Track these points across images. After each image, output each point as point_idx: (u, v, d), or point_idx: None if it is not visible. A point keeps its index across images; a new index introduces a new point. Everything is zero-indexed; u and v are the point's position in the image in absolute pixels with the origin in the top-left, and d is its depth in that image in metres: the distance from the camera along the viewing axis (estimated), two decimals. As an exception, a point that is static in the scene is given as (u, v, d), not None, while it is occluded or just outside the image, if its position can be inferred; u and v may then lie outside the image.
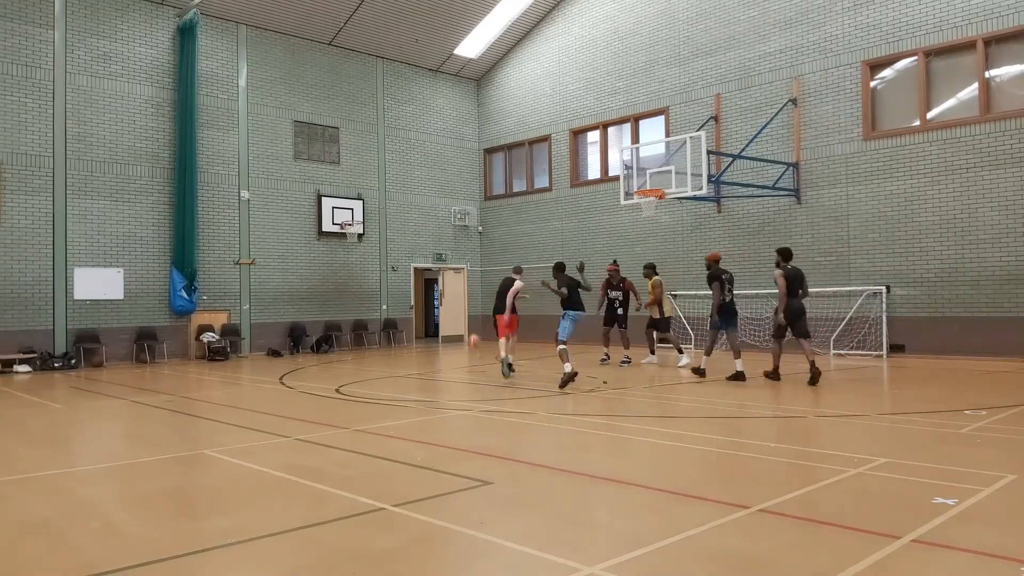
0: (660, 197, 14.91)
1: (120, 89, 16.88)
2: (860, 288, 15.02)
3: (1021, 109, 13.55)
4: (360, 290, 20.82)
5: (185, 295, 17.25)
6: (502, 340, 12.18)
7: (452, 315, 22.94)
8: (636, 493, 4.97)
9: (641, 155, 16.39)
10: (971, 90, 14.22)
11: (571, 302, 11.64)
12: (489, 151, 23.66)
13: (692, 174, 14.70)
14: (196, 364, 16.51)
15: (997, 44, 13.89)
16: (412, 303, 22.17)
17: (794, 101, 16.24)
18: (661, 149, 17.55)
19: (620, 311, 14.27)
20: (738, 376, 10.99)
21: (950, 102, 14.57)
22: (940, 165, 14.37)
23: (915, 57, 14.78)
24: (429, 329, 25.26)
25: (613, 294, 14.35)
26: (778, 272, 10.81)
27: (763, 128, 16.20)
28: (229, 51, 18.68)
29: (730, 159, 16.04)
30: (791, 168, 16.15)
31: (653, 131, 19.17)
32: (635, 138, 19.44)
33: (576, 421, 8.00)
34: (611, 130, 20.36)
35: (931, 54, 14.61)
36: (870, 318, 14.88)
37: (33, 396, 11.13)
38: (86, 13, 16.50)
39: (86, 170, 16.36)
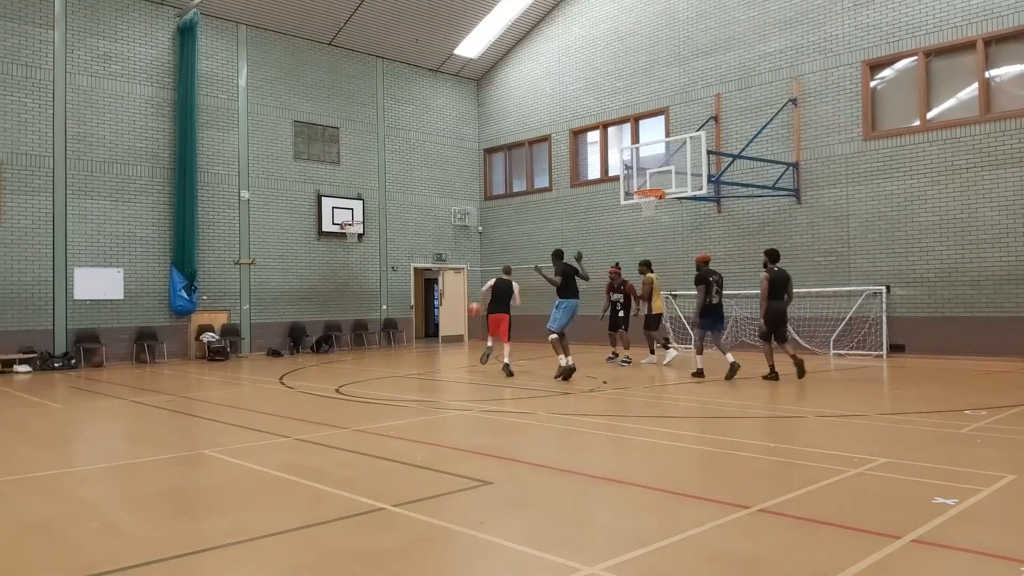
0: (660, 197, 14.91)
1: (120, 89, 16.88)
2: (860, 288, 15.02)
3: (1021, 109, 13.56)
4: (360, 290, 20.82)
5: (185, 295, 17.25)
6: (491, 339, 12.99)
7: (452, 315, 22.95)
8: (636, 493, 4.97)
9: (641, 155, 16.39)
10: (971, 90, 14.22)
11: (566, 291, 11.67)
12: (489, 151, 23.66)
13: (692, 174, 14.71)
14: (196, 364, 16.51)
15: (997, 44, 13.89)
16: (412, 303, 22.18)
17: (794, 101, 16.24)
18: (661, 149, 17.54)
19: (621, 314, 14.35)
20: (732, 369, 11.09)
21: (950, 102, 14.57)
22: (940, 165, 14.37)
23: (915, 57, 14.78)
24: (429, 329, 25.26)
25: (615, 296, 14.43)
26: (763, 275, 10.90)
27: (763, 128, 16.20)
28: (229, 51, 18.68)
29: (730, 159, 16.04)
30: (791, 168, 16.15)
31: (653, 131, 19.17)
32: (635, 138, 19.44)
33: (576, 421, 8.00)
34: (611, 130, 20.36)
35: (931, 54, 14.61)
36: (870, 318, 14.88)
37: (33, 396, 11.13)
38: (86, 13, 16.50)
39: (86, 170, 16.36)
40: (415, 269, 22.24)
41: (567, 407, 8.97)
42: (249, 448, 6.71)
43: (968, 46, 14.15)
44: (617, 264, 15.05)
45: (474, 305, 13.68)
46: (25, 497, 5.16)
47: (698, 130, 16.48)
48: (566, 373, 11.33)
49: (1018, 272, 13.46)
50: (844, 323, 15.16)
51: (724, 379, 11.08)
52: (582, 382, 11.24)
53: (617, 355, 14.51)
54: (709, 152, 15.33)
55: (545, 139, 21.87)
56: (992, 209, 13.77)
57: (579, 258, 12.44)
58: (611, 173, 19.97)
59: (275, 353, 18.58)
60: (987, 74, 14.02)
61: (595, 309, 16.32)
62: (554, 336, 11.58)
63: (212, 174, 18.13)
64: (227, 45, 18.65)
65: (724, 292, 11.73)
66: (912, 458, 5.72)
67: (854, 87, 15.50)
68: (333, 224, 20.10)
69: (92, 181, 16.43)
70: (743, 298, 16.41)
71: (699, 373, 11.50)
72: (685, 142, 15.02)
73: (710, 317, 11.47)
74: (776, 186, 15.95)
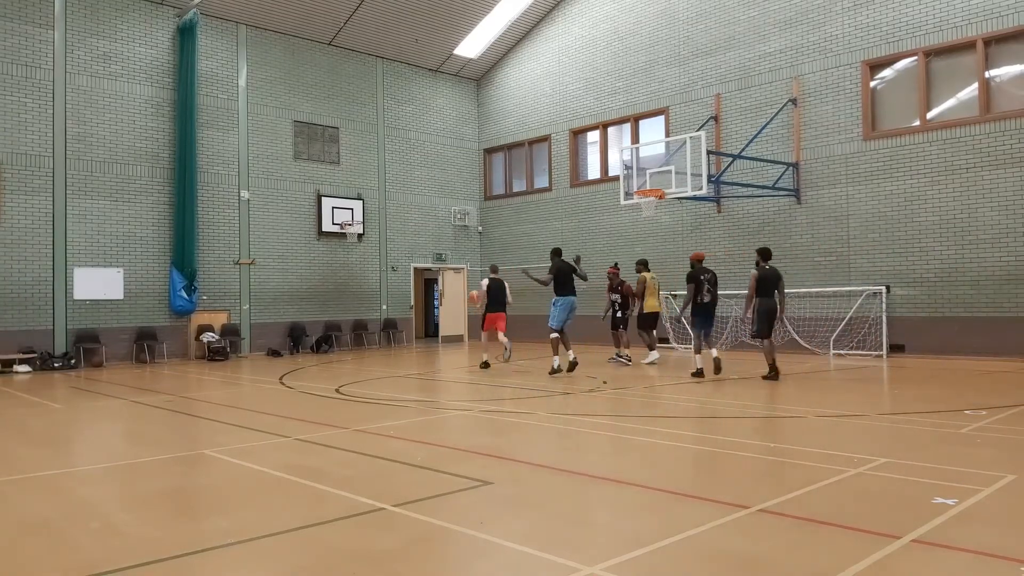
0: (660, 197, 14.92)
1: (120, 89, 16.89)
2: (860, 288, 15.02)
3: (1021, 109, 13.56)
4: (360, 290, 20.82)
5: (185, 295, 17.25)
6: (485, 335, 13.76)
7: (452, 315, 22.94)
8: (636, 493, 4.97)
9: (641, 155, 16.39)
10: (971, 90, 14.22)
11: (562, 288, 11.87)
12: (489, 151, 23.66)
13: (692, 174, 14.71)
14: (196, 364, 16.51)
15: (997, 44, 13.89)
16: (412, 303, 22.18)
17: (794, 101, 16.24)
18: (661, 149, 17.54)
19: (619, 314, 14.44)
20: (716, 363, 11.39)
21: (950, 102, 14.57)
22: (940, 165, 14.37)
23: (915, 57, 14.78)
24: (429, 329, 25.27)
25: (613, 296, 14.53)
26: (753, 272, 11.07)
27: (763, 128, 16.20)
28: (229, 51, 18.68)
29: (730, 159, 16.04)
30: (791, 168, 16.16)
31: (653, 131, 19.17)
32: (635, 138, 19.45)
33: (576, 421, 8.00)
34: (611, 130, 20.36)
35: (931, 54, 14.61)
36: (870, 318, 14.88)
37: (33, 396, 11.13)
38: (86, 13, 16.50)
39: (86, 170, 16.36)
40: (415, 269, 22.24)
41: (567, 407, 8.97)
42: (249, 448, 6.71)
43: (968, 46, 14.15)
44: (616, 264, 15.18)
45: (474, 293, 13.99)
46: (25, 497, 5.16)
47: (698, 130, 16.49)
48: (570, 367, 11.64)
49: (1018, 272, 13.46)
50: (844, 323, 15.16)
51: (712, 374, 11.38)
52: (582, 382, 11.25)
53: (619, 355, 14.55)
54: (709, 152, 15.33)
55: (545, 139, 21.87)
56: (992, 209, 13.77)
57: (577, 261, 12.60)
58: (611, 173, 19.97)
59: (275, 353, 18.58)
60: (987, 74, 14.03)
61: (595, 310, 16.36)
62: (554, 335, 11.81)
63: (212, 174, 18.13)
64: (227, 45, 18.65)
65: (721, 292, 11.79)
66: (912, 458, 5.72)
67: (854, 87, 15.50)
68: (333, 224, 20.11)
69: (92, 181, 16.43)
70: (743, 298, 16.38)
71: (699, 373, 11.51)
72: (685, 142, 15.02)
73: (701, 316, 11.68)
74: (776, 186, 15.95)
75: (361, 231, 20.69)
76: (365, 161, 21.14)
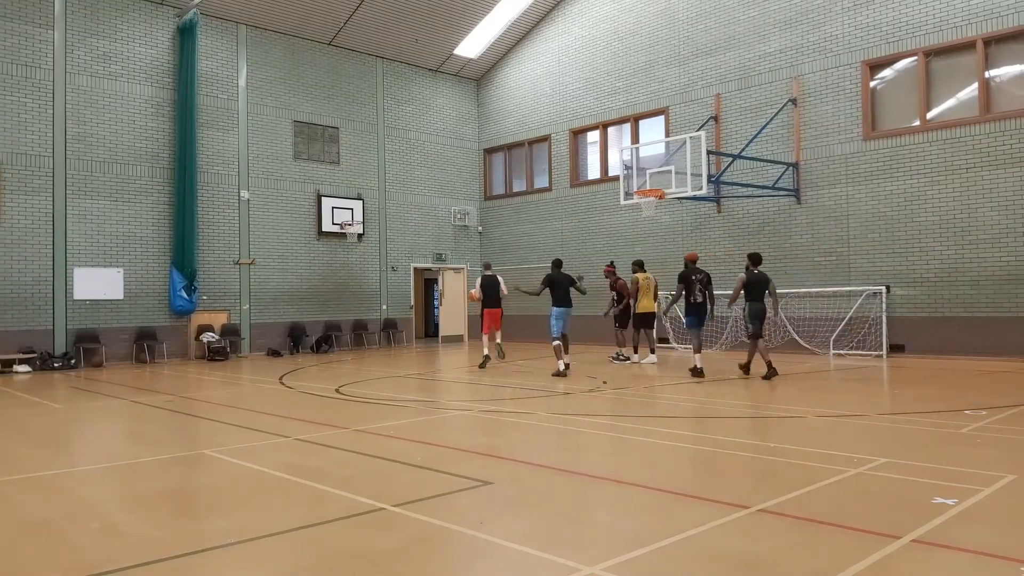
0: (660, 197, 14.92)
1: (120, 89, 16.89)
2: (860, 288, 15.02)
3: (1021, 109, 13.55)
4: (360, 290, 20.82)
5: (185, 295, 17.25)
6: (486, 336, 14.19)
7: (452, 315, 22.94)
8: (636, 493, 4.97)
9: (641, 155, 16.39)
10: (971, 90, 14.22)
11: (557, 299, 12.57)
12: (489, 151, 23.66)
13: (692, 174, 14.71)
14: (196, 364, 16.51)
15: (997, 44, 13.89)
16: (412, 303, 22.17)
17: (794, 101, 16.24)
18: (661, 149, 17.54)
19: (615, 312, 14.57)
20: (696, 371, 11.69)
21: (950, 102, 14.57)
22: (940, 165, 14.37)
23: (915, 57, 14.78)
24: (429, 329, 25.26)
25: (611, 294, 14.63)
26: (740, 276, 11.48)
27: (763, 128, 16.20)
28: (229, 51, 18.68)
29: (730, 159, 16.04)
30: (791, 168, 16.15)
31: (653, 131, 19.16)
32: (635, 138, 19.44)
33: (576, 421, 8.00)
34: (611, 130, 20.36)
35: (931, 54, 14.61)
36: (870, 318, 14.87)
37: (33, 396, 11.13)
38: (86, 13, 16.50)
39: (86, 170, 16.36)
40: (415, 269, 22.24)
41: (567, 407, 8.97)
42: (249, 448, 6.71)
43: (968, 46, 14.15)
44: (611, 263, 15.33)
45: (473, 292, 14.64)
46: (25, 497, 5.16)
47: (698, 130, 16.48)
48: (560, 373, 12.14)
49: (1018, 272, 13.46)
50: (844, 323, 15.16)
51: (688, 371, 11.83)
52: (582, 382, 11.26)
53: (619, 354, 14.60)
54: (709, 152, 15.33)
55: (545, 139, 21.86)
56: (992, 209, 13.77)
57: (580, 279, 13.09)
58: (611, 173, 19.97)
59: (275, 353, 18.58)
60: (987, 74, 14.02)
61: (596, 310, 16.39)
62: (556, 343, 12.44)
63: (212, 174, 18.13)
64: (227, 45, 18.65)
65: (718, 292, 11.98)
66: (912, 458, 5.72)
67: (854, 87, 15.50)
68: (333, 224, 20.10)
69: (92, 181, 16.43)
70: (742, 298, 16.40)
71: (699, 372, 11.55)
72: (685, 142, 15.02)
73: (694, 316, 11.98)
74: (776, 186, 15.95)
75: (361, 231, 20.69)
76: (365, 161, 21.14)
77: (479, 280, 14.38)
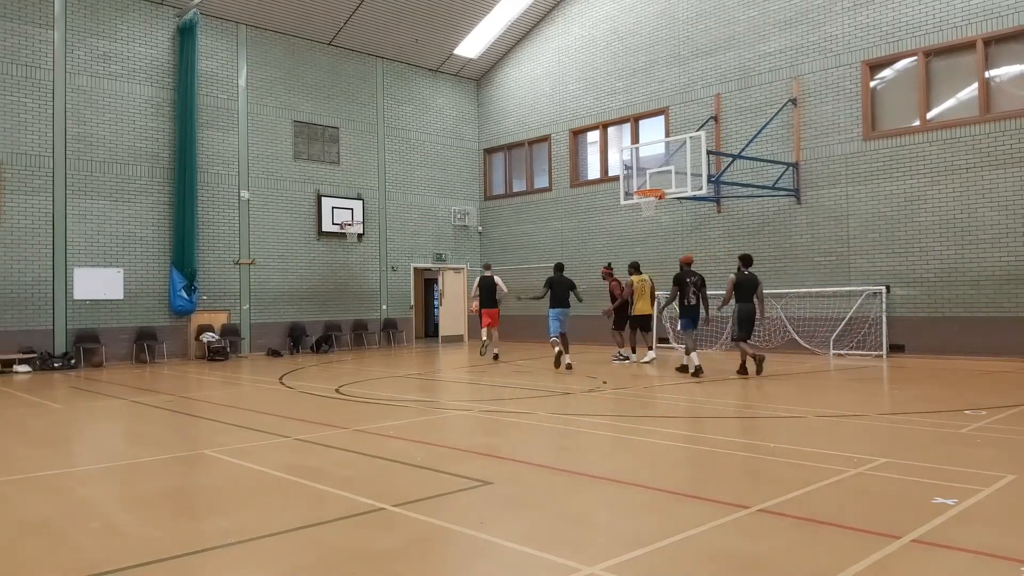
0: (660, 197, 14.92)
1: (120, 89, 16.88)
2: (860, 288, 15.02)
3: (1021, 109, 13.55)
4: (360, 290, 20.82)
5: (185, 295, 17.25)
6: (484, 330, 15.05)
7: (452, 315, 22.94)
8: (636, 493, 4.97)
9: (641, 155, 16.39)
10: (971, 90, 14.22)
11: (554, 300, 13.24)
12: (489, 151, 23.66)
13: (692, 174, 14.71)
14: (196, 364, 16.51)
15: (997, 44, 13.89)
16: (412, 303, 22.17)
17: (794, 101, 16.24)
18: (661, 149, 17.54)
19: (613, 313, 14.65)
20: (683, 368, 11.96)
21: (950, 102, 14.57)
22: (940, 165, 14.37)
23: (915, 57, 14.78)
24: (429, 329, 25.26)
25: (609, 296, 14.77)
26: (731, 277, 11.61)
27: (763, 128, 16.20)
28: (229, 51, 18.68)
29: (730, 159, 16.04)
30: (791, 168, 16.15)
31: (653, 131, 19.16)
32: (635, 138, 19.44)
33: (576, 421, 8.00)
34: (611, 130, 20.36)
35: (931, 54, 14.61)
36: (870, 318, 14.88)
37: (33, 396, 11.13)
38: (86, 13, 16.50)
39: (86, 170, 16.36)
40: (415, 269, 22.24)
41: (567, 407, 8.97)
42: (249, 448, 6.71)
43: (968, 46, 14.15)
44: (608, 265, 15.42)
45: (475, 304, 15.40)
46: (25, 497, 5.16)
47: (698, 130, 16.48)
48: (558, 361, 12.85)
49: (1018, 272, 13.46)
50: (844, 323, 15.16)
51: (675, 369, 12.15)
52: (582, 382, 11.26)
53: (619, 354, 14.62)
54: (709, 152, 15.33)
55: (545, 139, 21.86)
56: (992, 209, 13.76)
57: (573, 286, 13.60)
58: (611, 173, 19.96)
59: (275, 353, 18.58)
60: (987, 74, 14.02)
61: (595, 310, 16.40)
62: (553, 340, 13.17)
63: (212, 174, 18.13)
64: (227, 45, 18.65)
65: (713, 293, 12.09)
66: (912, 458, 5.72)
67: (854, 87, 15.50)
68: (333, 224, 20.10)
69: (92, 181, 16.43)
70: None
71: (697, 371, 11.58)
72: (685, 142, 15.02)
73: (688, 317, 12.15)
74: (776, 186, 15.95)
75: (361, 231, 20.69)
76: (365, 161, 21.14)
77: (477, 280, 15.16)
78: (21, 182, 15.52)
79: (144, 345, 16.82)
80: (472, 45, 21.99)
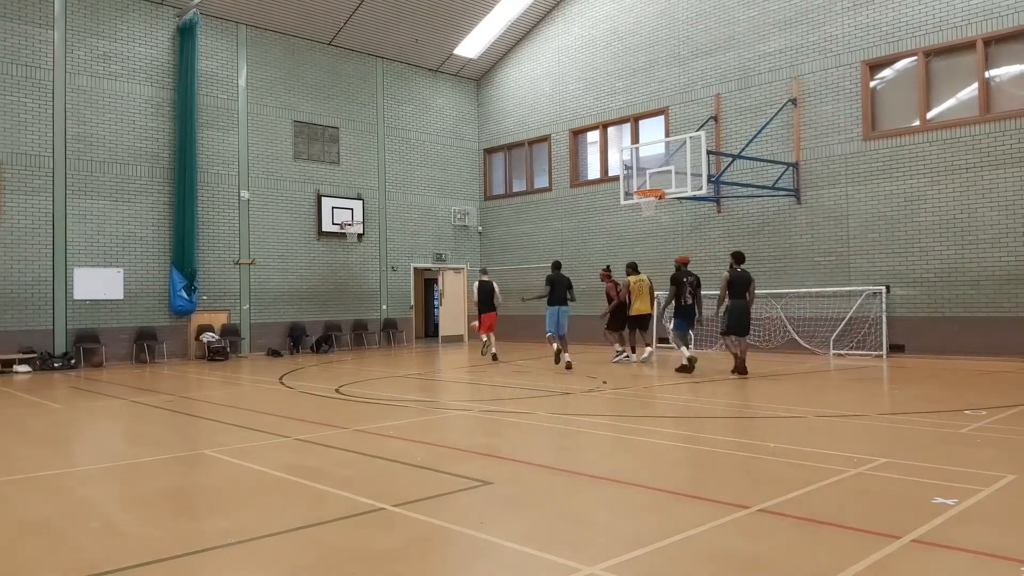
0: (660, 197, 14.93)
1: (120, 89, 16.88)
2: (860, 288, 15.02)
3: (1021, 109, 13.55)
4: (360, 290, 20.82)
5: (185, 295, 17.25)
6: (483, 335, 15.59)
7: (452, 315, 22.94)
8: (636, 493, 4.97)
9: (641, 155, 16.39)
10: (971, 90, 14.22)
11: (552, 298, 13.39)
12: (489, 151, 23.66)
13: (692, 174, 14.71)
14: (196, 364, 16.51)
15: (997, 44, 13.89)
16: (412, 303, 22.17)
17: (794, 101, 16.24)
18: (661, 149, 17.54)
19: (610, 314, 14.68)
20: (683, 369, 11.99)
21: (950, 102, 14.57)
22: (940, 165, 14.37)
23: (915, 57, 14.78)
24: (429, 329, 25.26)
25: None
26: (725, 275, 11.77)
27: (763, 128, 16.20)
28: (229, 51, 18.68)
29: (730, 159, 16.04)
30: (791, 168, 16.15)
31: (653, 131, 19.16)
32: (635, 138, 19.44)
33: (576, 421, 8.00)
34: (611, 130, 20.36)
35: (931, 54, 14.61)
36: (870, 318, 14.88)
37: (33, 396, 11.13)
38: (86, 13, 16.50)
39: (86, 170, 16.36)
40: (415, 269, 22.24)
41: (567, 407, 8.97)
42: (249, 448, 6.71)
43: (968, 46, 14.15)
44: (607, 267, 15.43)
45: (475, 324, 15.98)
46: (25, 497, 5.16)
47: (698, 130, 16.48)
48: (558, 357, 13.01)
49: (1018, 272, 13.46)
50: (844, 323, 15.16)
51: (675, 369, 12.11)
52: (582, 382, 11.26)
53: (622, 352, 14.64)
54: (709, 152, 15.33)
55: (545, 139, 21.86)
56: (992, 209, 13.76)
57: (570, 285, 13.71)
58: (611, 173, 19.96)
59: (275, 353, 18.58)
60: (987, 74, 14.02)
61: (595, 310, 16.40)
62: (548, 335, 13.45)
63: (212, 174, 18.13)
64: (227, 45, 18.65)
65: (708, 292, 12.18)
66: (912, 458, 5.72)
67: (854, 87, 15.50)
68: (333, 224, 20.10)
69: (92, 181, 16.43)
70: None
71: (691, 361, 11.93)
72: (685, 142, 15.02)
73: (683, 316, 12.31)
74: (776, 186, 15.95)
75: (361, 231, 20.69)
76: (365, 161, 21.14)
77: (476, 285, 15.73)
78: (21, 182, 15.52)
79: (144, 345, 16.82)
80: (472, 45, 21.99)
